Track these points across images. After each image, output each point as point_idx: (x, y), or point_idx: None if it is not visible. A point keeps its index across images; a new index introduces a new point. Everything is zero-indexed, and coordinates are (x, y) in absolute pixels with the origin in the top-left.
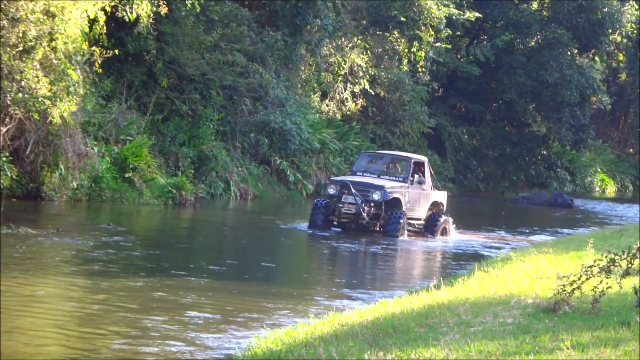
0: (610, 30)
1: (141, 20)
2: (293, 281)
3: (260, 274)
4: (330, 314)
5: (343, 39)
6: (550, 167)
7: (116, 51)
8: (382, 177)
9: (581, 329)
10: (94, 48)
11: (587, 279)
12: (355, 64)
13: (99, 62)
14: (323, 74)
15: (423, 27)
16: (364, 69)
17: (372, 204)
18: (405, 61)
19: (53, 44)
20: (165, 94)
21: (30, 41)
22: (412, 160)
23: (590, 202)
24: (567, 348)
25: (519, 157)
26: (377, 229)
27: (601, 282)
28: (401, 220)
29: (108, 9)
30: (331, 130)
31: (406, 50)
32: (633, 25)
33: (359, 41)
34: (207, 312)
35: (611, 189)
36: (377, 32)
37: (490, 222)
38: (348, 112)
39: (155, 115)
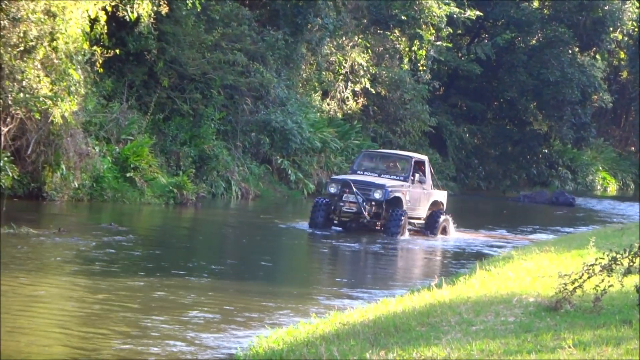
0: (611, 29)
1: (142, 20)
2: (293, 280)
3: (261, 274)
4: (331, 313)
5: (344, 38)
6: (551, 165)
7: (117, 51)
8: (382, 176)
9: (583, 328)
10: (95, 48)
11: (588, 277)
12: (356, 63)
13: (100, 61)
14: (324, 73)
15: (424, 26)
16: (365, 68)
17: (373, 203)
18: (406, 60)
19: (54, 43)
20: (167, 94)
21: (31, 41)
22: (413, 160)
23: (591, 200)
24: (569, 347)
25: (521, 156)
26: (378, 228)
27: (603, 280)
28: (402, 220)
29: (109, 8)
30: (332, 130)
31: (407, 49)
32: (634, 23)
33: (360, 40)
34: (207, 312)
35: (612, 188)
36: (378, 31)
37: (491, 221)
38: (349, 111)
39: (156, 114)
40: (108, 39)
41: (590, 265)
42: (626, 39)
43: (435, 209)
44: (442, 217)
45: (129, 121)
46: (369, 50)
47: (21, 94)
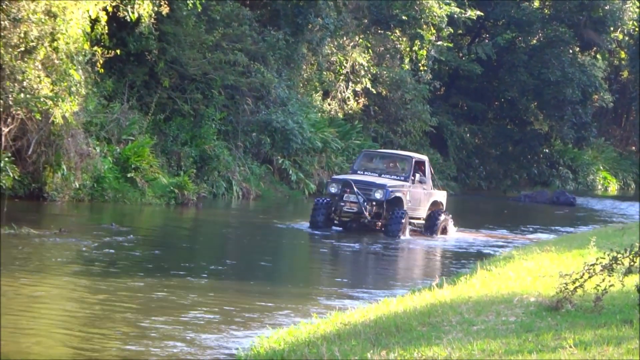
0: (611, 28)
1: (143, 20)
2: (294, 281)
3: (261, 274)
4: (332, 313)
5: (344, 38)
6: (552, 165)
7: (118, 51)
8: (383, 176)
9: (584, 327)
10: (95, 48)
11: (589, 277)
12: (357, 63)
13: (101, 62)
14: (325, 73)
15: (425, 26)
16: (366, 68)
17: (374, 203)
18: (407, 60)
19: (55, 44)
20: (167, 94)
21: (32, 41)
22: (414, 160)
23: (592, 200)
24: (570, 346)
25: (521, 156)
26: (379, 228)
27: (603, 280)
28: (403, 220)
29: (109, 9)
30: (333, 130)
31: (408, 49)
32: (634, 23)
33: (361, 40)
34: (208, 312)
35: (613, 187)
36: (379, 31)
37: (492, 221)
38: (350, 111)
39: (157, 115)
40: (109, 39)
41: (591, 265)
42: (627, 38)
43: (435, 209)
44: (442, 217)
45: (129, 121)
46: (370, 50)
47: (22, 95)
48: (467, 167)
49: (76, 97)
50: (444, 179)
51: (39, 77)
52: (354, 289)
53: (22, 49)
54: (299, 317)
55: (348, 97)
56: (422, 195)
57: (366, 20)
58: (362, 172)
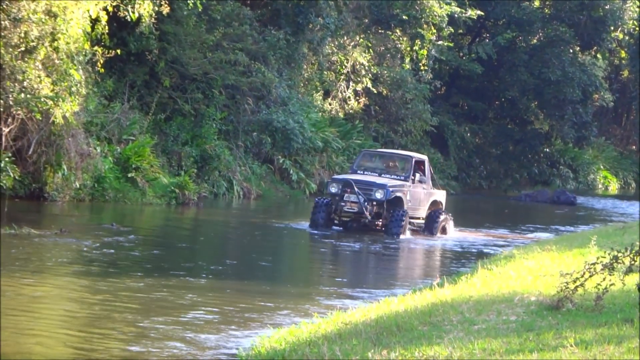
0: (612, 28)
1: (143, 20)
2: (294, 280)
3: (261, 274)
4: (333, 312)
5: (345, 38)
6: (553, 164)
7: (118, 51)
8: (383, 175)
9: (584, 327)
10: (96, 48)
11: (590, 276)
12: (357, 63)
13: (101, 62)
14: (325, 72)
15: (425, 26)
16: (367, 68)
17: (375, 203)
18: (407, 59)
19: (55, 44)
20: (168, 94)
21: (32, 41)
22: (414, 159)
23: (593, 199)
24: (571, 345)
25: (522, 155)
26: (379, 228)
27: (604, 279)
28: (404, 220)
29: (110, 8)
30: (334, 129)
31: (408, 48)
32: (635, 22)
33: (361, 40)
34: (208, 312)
35: (614, 186)
36: (379, 31)
37: (493, 220)
38: (351, 111)
39: (157, 114)
40: (109, 39)
41: (592, 264)
42: (627, 38)
43: (434, 209)
44: (442, 217)
45: (130, 121)
46: (371, 49)
47: (22, 95)
48: (468, 167)
49: (76, 97)
50: (445, 179)
51: (39, 77)
52: (354, 289)
53: (23, 48)
54: (299, 317)
55: (349, 97)
56: (422, 195)
57: (367, 20)
58: (362, 172)
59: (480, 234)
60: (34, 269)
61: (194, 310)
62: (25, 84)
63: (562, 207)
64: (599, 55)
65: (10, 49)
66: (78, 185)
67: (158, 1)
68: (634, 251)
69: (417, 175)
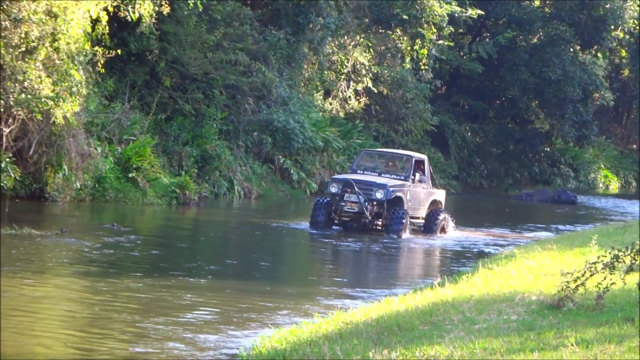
0: (612, 27)
1: (143, 20)
2: (294, 280)
3: (261, 274)
4: (333, 312)
5: (345, 37)
6: (553, 163)
7: (119, 51)
8: (383, 175)
9: (585, 326)
10: (96, 48)
11: (591, 275)
12: (358, 62)
13: (102, 62)
14: (326, 72)
15: (425, 25)
16: (367, 67)
17: (375, 203)
18: (407, 59)
19: (55, 44)
20: (168, 94)
21: (33, 42)
22: (414, 159)
23: (593, 198)
24: (572, 345)
25: (522, 154)
26: (379, 227)
27: (605, 278)
28: (404, 219)
29: (110, 9)
30: (334, 129)
31: (409, 48)
32: (635, 21)
33: (362, 39)
34: (208, 313)
35: (614, 185)
36: (380, 30)
37: (493, 220)
38: (351, 111)
39: (158, 114)
40: (110, 39)
41: (593, 263)
42: (627, 37)
43: (434, 208)
44: (442, 216)
45: (131, 121)
46: (371, 49)
47: (23, 95)
48: (469, 166)
49: (77, 97)
50: (446, 178)
51: (39, 77)
52: (354, 289)
53: (23, 49)
54: (299, 317)
55: (349, 97)
56: (422, 195)
57: (367, 20)
58: (361, 172)
59: (480, 233)
60: (34, 269)
61: (193, 310)
62: (25, 84)
63: (563, 206)
64: (599, 54)
65: (11, 50)
66: (79, 186)
67: (158, 1)
68: (634, 250)
69: (417, 174)
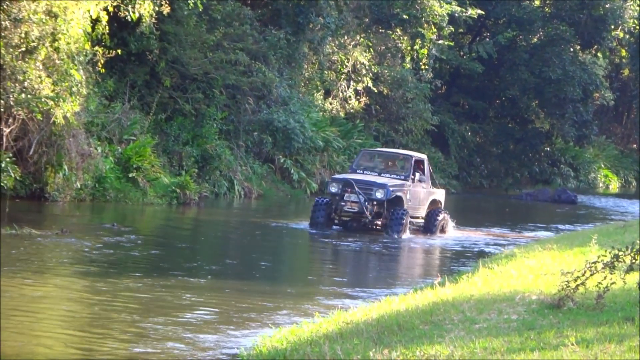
0: (612, 27)
1: (144, 20)
2: (294, 280)
3: (261, 274)
4: (334, 312)
5: (346, 37)
6: (553, 163)
7: (119, 51)
8: (383, 175)
9: (585, 325)
10: (96, 48)
11: (591, 275)
12: (358, 62)
13: (102, 62)
14: (326, 72)
15: (425, 25)
16: (367, 67)
17: (375, 203)
18: (408, 59)
19: (55, 44)
20: (169, 94)
21: (33, 42)
22: (413, 159)
23: (593, 198)
24: (572, 344)
25: (523, 154)
26: (379, 227)
27: (605, 278)
28: (404, 219)
29: (110, 9)
30: (335, 129)
31: (409, 47)
32: (635, 21)
33: (362, 39)
34: (208, 312)
35: (615, 185)
36: (380, 30)
37: (494, 219)
38: (351, 110)
39: (158, 114)
40: (110, 39)
41: (593, 263)
42: (627, 36)
43: (433, 208)
44: (441, 216)
45: (131, 121)
46: (371, 49)
47: (23, 95)
48: (469, 166)
49: (77, 97)
50: (446, 178)
51: (40, 77)
52: (354, 289)
53: (23, 49)
54: (299, 317)
55: (349, 96)
56: (422, 194)
57: (367, 20)
58: (361, 171)
59: (481, 232)
60: (34, 269)
61: (193, 310)
62: (26, 84)
63: (563, 206)
64: (599, 54)
65: (11, 50)
66: (79, 186)
67: (158, 1)
68: (634, 250)
69: (417, 174)
